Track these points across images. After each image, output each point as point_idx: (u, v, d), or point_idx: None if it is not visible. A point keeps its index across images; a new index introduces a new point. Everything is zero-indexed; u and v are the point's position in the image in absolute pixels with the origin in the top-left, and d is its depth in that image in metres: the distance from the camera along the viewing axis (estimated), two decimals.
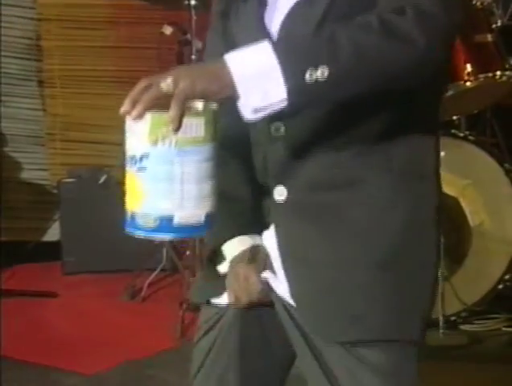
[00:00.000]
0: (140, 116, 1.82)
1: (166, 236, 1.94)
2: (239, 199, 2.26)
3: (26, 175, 5.38)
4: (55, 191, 5.25)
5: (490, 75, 4.46)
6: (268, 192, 2.18)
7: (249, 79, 1.84)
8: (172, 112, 1.78)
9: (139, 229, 1.90)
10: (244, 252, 2.23)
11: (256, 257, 2.24)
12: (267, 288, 2.22)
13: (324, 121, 2.06)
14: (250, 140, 2.20)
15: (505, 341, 4.34)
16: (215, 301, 2.31)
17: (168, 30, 4.48)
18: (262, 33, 2.08)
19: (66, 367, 4.21)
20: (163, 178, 1.88)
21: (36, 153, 5.43)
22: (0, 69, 5.26)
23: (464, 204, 4.31)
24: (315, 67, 1.81)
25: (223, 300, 2.28)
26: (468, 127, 4.37)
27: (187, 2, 4.26)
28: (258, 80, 1.84)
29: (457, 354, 4.09)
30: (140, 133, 1.87)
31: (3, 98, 5.31)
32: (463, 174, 4.21)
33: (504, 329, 4.39)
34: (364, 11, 1.94)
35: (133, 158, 1.88)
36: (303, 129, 2.08)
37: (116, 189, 4.71)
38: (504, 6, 4.70)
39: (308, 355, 2.23)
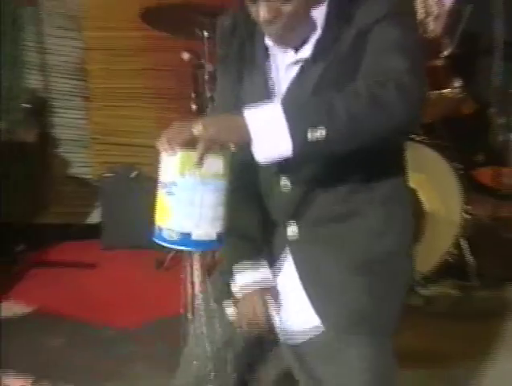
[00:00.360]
0: (173, 152, 1.90)
1: (184, 248, 2.01)
2: (252, 238, 2.27)
3: (74, 171, 5.44)
4: (96, 184, 5.31)
5: (440, 92, 4.55)
6: (278, 231, 2.26)
7: (263, 134, 1.88)
8: (199, 152, 1.85)
9: (164, 240, 1.98)
10: (254, 283, 2.24)
11: (266, 292, 2.25)
12: (270, 323, 2.27)
13: (323, 171, 2.11)
14: (262, 191, 2.28)
15: (452, 301, 4.38)
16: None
17: (186, 56, 4.53)
18: (266, 88, 2.18)
19: (102, 323, 4.25)
20: (186, 203, 1.95)
21: (82, 153, 5.47)
22: (52, 87, 5.34)
23: (421, 194, 4.39)
24: (315, 128, 1.85)
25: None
26: (425, 133, 4.34)
27: (201, 34, 4.27)
28: (270, 135, 1.88)
29: (415, 312, 4.06)
30: (171, 166, 1.94)
31: (56, 110, 5.38)
32: (420, 170, 4.25)
33: (451, 291, 4.44)
34: (349, 80, 1.98)
35: (164, 183, 1.96)
36: (306, 181, 2.15)
37: (144, 182, 4.72)
38: (451, 37, 4.64)
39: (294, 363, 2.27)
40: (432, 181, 4.35)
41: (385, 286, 2.21)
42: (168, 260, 4.74)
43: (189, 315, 2.49)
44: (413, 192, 4.27)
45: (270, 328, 2.27)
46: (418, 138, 4.35)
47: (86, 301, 4.45)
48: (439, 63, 4.58)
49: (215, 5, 3.81)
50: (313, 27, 2.08)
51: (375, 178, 2.15)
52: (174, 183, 1.93)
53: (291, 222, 2.19)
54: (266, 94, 2.15)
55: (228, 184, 1.97)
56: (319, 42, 2.08)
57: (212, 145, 1.88)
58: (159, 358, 3.78)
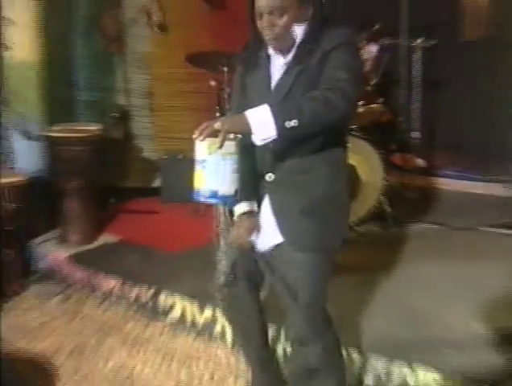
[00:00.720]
0: (203, 139, 1.95)
1: (214, 200, 2.03)
2: (249, 180, 2.24)
3: (144, 155, 5.33)
4: (158, 163, 5.19)
5: (369, 106, 4.55)
6: (263, 176, 2.22)
7: (258, 125, 1.94)
8: (220, 139, 1.91)
9: (201, 196, 2.01)
10: (245, 212, 2.26)
11: (251, 219, 2.26)
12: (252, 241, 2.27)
13: (292, 142, 2.10)
14: (255, 154, 2.24)
15: (375, 235, 4.34)
16: None
17: (213, 83, 4.45)
18: (266, 91, 2.19)
19: (161, 247, 4.20)
20: (213, 172, 1.97)
21: (149, 144, 5.34)
22: (132, 103, 5.26)
23: (358, 169, 4.29)
24: (290, 120, 1.91)
25: None
26: (361, 131, 4.31)
27: (222, 69, 4.25)
28: (263, 126, 1.94)
29: (352, 242, 4.02)
30: (202, 149, 1.98)
31: (134, 117, 5.32)
32: (358, 153, 4.20)
33: (375, 229, 4.38)
34: (314, 83, 2.04)
35: (198, 160, 1.99)
36: (281, 147, 2.13)
37: (187, 161, 4.64)
38: (376, 73, 4.59)
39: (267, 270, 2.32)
40: (365, 160, 4.27)
41: (333, 216, 2.20)
42: (202, 210, 4.69)
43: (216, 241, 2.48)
44: (353, 168, 4.24)
45: (252, 245, 2.28)
46: (356, 134, 4.31)
47: (151, 233, 4.41)
48: (369, 88, 4.54)
49: (231, 51, 3.75)
50: (294, 41, 2.12)
51: (327, 148, 2.14)
52: (204, 160, 1.96)
53: (270, 172, 2.18)
54: (266, 84, 2.19)
55: (239, 159, 2.00)
56: (297, 51, 2.12)
57: (228, 135, 1.92)
58: (196, 270, 3.75)
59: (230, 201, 2.08)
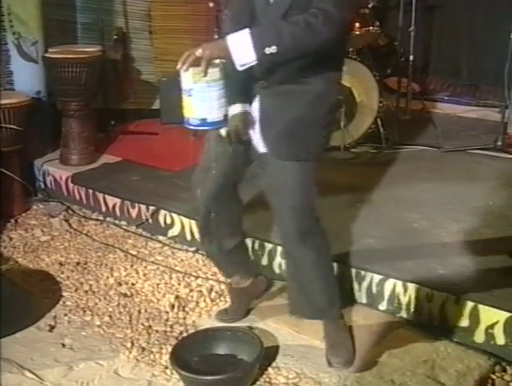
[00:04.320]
0: (187, 69, 1.90)
1: (203, 128, 1.99)
2: (241, 85, 2.17)
3: (144, 77, 5.18)
4: (157, 84, 5.04)
5: (365, 29, 4.36)
6: (256, 83, 2.15)
7: (238, 50, 1.89)
8: (202, 67, 1.87)
9: (191, 125, 1.98)
10: (239, 112, 2.19)
11: (246, 114, 2.20)
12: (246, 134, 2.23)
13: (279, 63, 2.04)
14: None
15: (370, 156, 4.27)
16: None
17: (211, 4, 4.37)
18: (265, 7, 2.09)
19: (160, 167, 4.14)
20: (200, 100, 1.93)
21: (149, 66, 5.18)
22: (130, 25, 5.10)
23: (353, 90, 4.22)
24: (270, 46, 1.86)
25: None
26: (357, 54, 4.23)
27: None
28: (242, 51, 1.89)
29: (346, 162, 4.05)
30: (188, 78, 1.92)
31: (133, 40, 5.13)
32: (354, 76, 4.12)
33: (370, 150, 4.32)
34: (305, 8, 1.93)
35: (185, 89, 1.94)
36: (267, 68, 2.07)
37: None
38: None
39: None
40: (361, 82, 4.17)
41: (315, 130, 2.17)
42: (201, 131, 4.61)
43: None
44: (349, 90, 4.15)
45: (248, 137, 2.24)
46: (353, 57, 4.21)
47: (151, 154, 4.33)
48: (366, 11, 4.34)
49: None
50: None
51: (320, 65, 2.06)
52: (191, 89, 1.91)
53: (262, 79, 2.11)
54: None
55: (223, 84, 1.95)
56: None
57: (210, 61, 1.88)
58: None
59: (220, 126, 2.05)
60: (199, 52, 1.88)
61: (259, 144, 2.22)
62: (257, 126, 2.21)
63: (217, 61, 1.93)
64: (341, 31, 2.05)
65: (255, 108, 2.19)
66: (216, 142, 2.32)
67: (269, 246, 3.01)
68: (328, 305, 2.42)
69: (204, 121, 1.95)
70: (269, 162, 2.21)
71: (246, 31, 1.89)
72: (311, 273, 2.36)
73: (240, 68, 1.92)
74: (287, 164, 2.17)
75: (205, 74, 1.89)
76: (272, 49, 1.86)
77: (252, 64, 1.92)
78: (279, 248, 2.90)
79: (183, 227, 3.41)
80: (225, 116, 2.01)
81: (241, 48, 1.88)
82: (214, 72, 1.92)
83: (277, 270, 2.99)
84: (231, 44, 1.89)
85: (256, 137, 2.22)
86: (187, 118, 1.98)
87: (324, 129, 2.22)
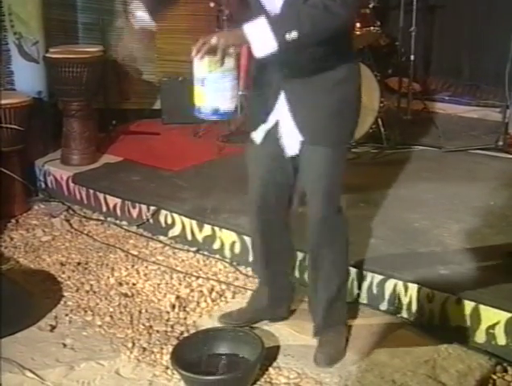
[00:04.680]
0: (202, 58, 1.87)
1: (215, 118, 2.00)
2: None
3: (145, 76, 5.16)
4: (158, 85, 5.07)
5: (366, 29, 4.34)
6: (276, 71, 2.13)
7: (257, 39, 1.86)
8: (218, 55, 1.85)
9: (202, 114, 1.97)
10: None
11: None
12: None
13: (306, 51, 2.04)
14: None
15: (372, 156, 4.28)
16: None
17: (212, 4, 4.36)
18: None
19: (161, 167, 4.11)
20: (214, 90, 1.91)
21: (150, 66, 5.15)
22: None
23: None
24: (290, 32, 1.83)
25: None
26: (357, 53, 4.17)
27: None
28: (262, 39, 1.86)
29: (348, 161, 4.03)
30: (202, 67, 1.89)
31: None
32: None
33: (371, 150, 4.33)
34: None
35: (198, 78, 1.92)
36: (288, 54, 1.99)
37: (186, 83, 4.51)
38: None
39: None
40: (362, 83, 4.14)
41: (344, 114, 2.15)
42: (201, 131, 4.62)
43: None
44: None
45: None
46: None
47: (152, 154, 4.32)
48: (367, 11, 4.32)
49: None
50: None
51: (334, 50, 2.03)
52: (205, 78, 1.89)
53: (286, 68, 2.08)
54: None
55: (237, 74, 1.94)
56: None
57: (226, 50, 1.85)
58: (195, 188, 3.71)
59: (231, 117, 2.05)
60: (214, 40, 1.85)
61: (294, 138, 2.19)
62: (287, 119, 2.17)
63: (232, 50, 1.90)
64: (354, 14, 2.08)
65: (282, 104, 2.16)
66: (257, 160, 2.33)
67: None
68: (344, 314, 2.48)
69: (216, 111, 1.94)
70: (303, 150, 2.20)
71: (263, 19, 1.86)
72: (331, 273, 2.38)
73: (258, 56, 1.89)
74: (321, 150, 2.15)
75: (222, 64, 1.88)
76: (293, 35, 1.83)
77: (272, 52, 1.87)
78: None
79: (183, 227, 3.40)
80: (237, 106, 2.00)
81: (261, 36, 1.85)
82: (229, 62, 1.90)
83: None
84: (249, 33, 1.86)
85: (288, 128, 2.19)
86: (198, 107, 1.96)
87: (354, 113, 2.21)
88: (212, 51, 1.86)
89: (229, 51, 1.88)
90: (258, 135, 2.25)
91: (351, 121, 2.22)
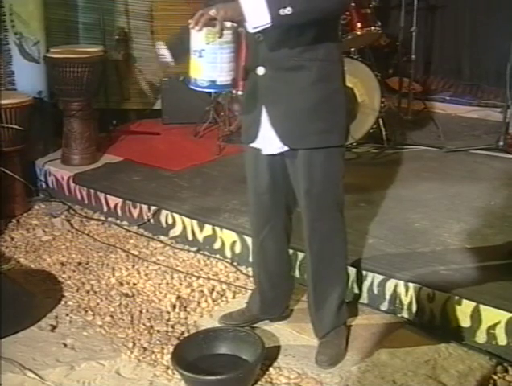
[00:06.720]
0: (200, 29, 1.85)
1: (211, 90, 2.02)
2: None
3: (145, 76, 5.16)
4: (159, 84, 5.08)
5: (367, 29, 4.32)
6: (254, 70, 2.11)
7: (252, 12, 1.84)
8: (217, 28, 1.83)
9: (198, 86, 1.93)
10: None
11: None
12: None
13: (284, 34, 1.99)
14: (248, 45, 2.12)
15: (372, 156, 4.27)
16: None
17: None
18: None
19: (162, 167, 4.11)
20: (211, 61, 1.88)
21: (150, 66, 5.12)
22: (132, 26, 5.08)
23: (355, 90, 4.20)
24: (284, 7, 1.81)
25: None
26: (359, 54, 4.21)
27: None
28: (256, 12, 1.84)
29: (348, 162, 3.99)
30: (200, 38, 1.87)
31: (135, 40, 5.11)
32: (355, 76, 4.13)
33: (372, 150, 4.32)
34: None
35: (195, 50, 1.88)
36: (272, 39, 2.01)
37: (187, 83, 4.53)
38: None
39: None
40: (362, 83, 4.17)
41: (328, 113, 2.09)
42: (201, 132, 4.62)
43: None
44: (351, 90, 4.13)
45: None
46: (355, 57, 4.21)
47: (153, 154, 4.33)
48: (368, 11, 4.31)
49: None
50: None
51: (317, 44, 2.01)
52: (202, 50, 1.87)
53: (261, 65, 2.05)
54: None
55: (235, 47, 1.92)
56: None
57: (224, 22, 1.86)
58: (196, 188, 3.72)
59: (227, 89, 2.03)
60: (213, 12, 1.84)
61: (275, 143, 2.15)
62: (270, 129, 2.13)
63: (229, 24, 1.89)
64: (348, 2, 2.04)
65: (265, 118, 2.13)
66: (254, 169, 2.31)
67: None
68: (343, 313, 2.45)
69: (213, 83, 1.92)
70: (290, 154, 2.17)
71: None
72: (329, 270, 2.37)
73: (251, 31, 1.89)
74: (305, 153, 2.12)
75: (221, 35, 1.86)
76: (287, 10, 1.82)
77: (265, 27, 1.86)
78: None
79: (184, 227, 3.40)
80: (233, 80, 1.98)
81: (256, 9, 1.84)
82: (227, 34, 1.88)
83: None
84: (244, 5, 1.85)
85: (270, 134, 2.15)
86: (194, 79, 1.94)
87: (338, 113, 2.13)
88: (210, 23, 1.86)
89: (227, 24, 1.87)
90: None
91: (336, 122, 2.13)
